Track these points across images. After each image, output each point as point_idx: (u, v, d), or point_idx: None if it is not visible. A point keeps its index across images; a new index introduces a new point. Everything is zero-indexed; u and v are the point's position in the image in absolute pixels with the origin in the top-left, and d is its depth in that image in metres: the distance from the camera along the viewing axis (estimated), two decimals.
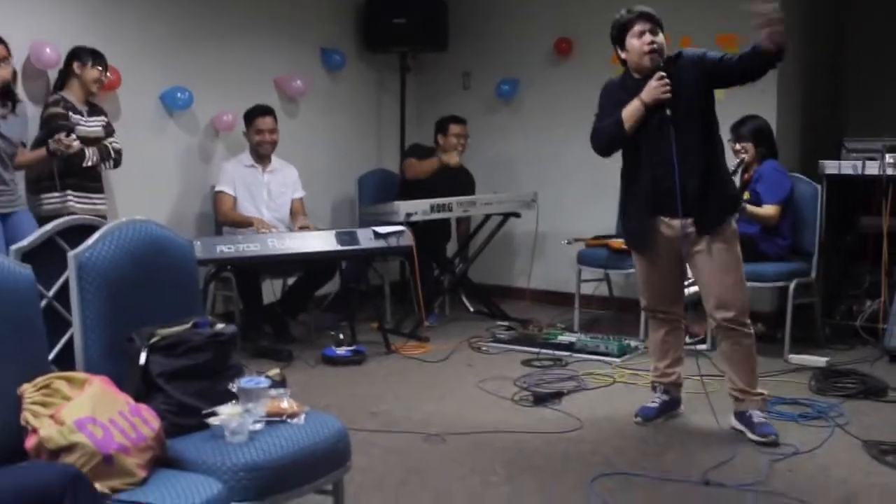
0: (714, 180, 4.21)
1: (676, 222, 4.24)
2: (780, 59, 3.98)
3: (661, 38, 4.23)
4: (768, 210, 5.75)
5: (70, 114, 5.37)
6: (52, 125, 5.27)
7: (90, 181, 5.53)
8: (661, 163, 4.19)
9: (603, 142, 4.45)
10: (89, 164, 5.42)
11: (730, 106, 5.51)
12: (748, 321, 4.31)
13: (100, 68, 5.54)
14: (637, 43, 4.22)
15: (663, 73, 4.16)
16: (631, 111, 4.24)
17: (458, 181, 7.17)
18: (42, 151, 5.18)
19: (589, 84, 7.25)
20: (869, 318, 6.09)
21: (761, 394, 4.37)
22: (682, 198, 4.14)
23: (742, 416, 4.33)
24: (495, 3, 7.82)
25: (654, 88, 4.16)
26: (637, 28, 4.22)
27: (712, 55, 4.19)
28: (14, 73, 5.20)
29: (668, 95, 4.13)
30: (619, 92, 4.37)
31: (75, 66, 5.51)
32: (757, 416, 4.30)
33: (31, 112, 5.45)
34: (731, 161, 5.46)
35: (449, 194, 6.76)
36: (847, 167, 6.10)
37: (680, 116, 4.15)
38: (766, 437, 4.19)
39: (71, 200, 5.37)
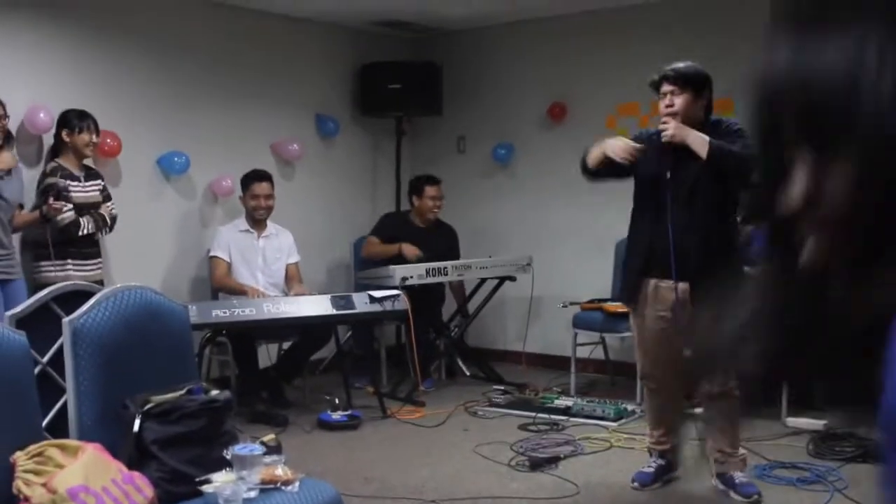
0: (716, 250, 4.13)
1: (667, 284, 4.25)
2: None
3: (680, 99, 4.17)
4: None
5: (68, 182, 5.40)
6: (47, 192, 5.32)
7: (87, 247, 5.57)
8: (659, 223, 4.21)
9: (583, 159, 4.48)
10: (84, 232, 5.45)
11: None
12: (732, 385, 4.24)
13: (89, 131, 5.58)
14: (661, 106, 4.25)
15: (638, 146, 4.19)
16: (597, 154, 4.29)
17: (441, 238, 7.20)
18: (36, 214, 5.28)
19: (582, 147, 7.32)
20: None
21: (743, 455, 4.37)
22: (680, 262, 4.15)
23: (724, 478, 4.33)
24: (489, 67, 7.91)
25: (617, 146, 4.20)
26: (663, 89, 4.22)
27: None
28: (9, 134, 5.24)
29: (618, 158, 4.16)
30: (647, 139, 4.34)
31: (64, 133, 5.57)
32: (739, 476, 4.30)
33: (25, 176, 5.49)
34: None
35: (432, 253, 6.82)
36: None
37: (690, 182, 4.17)
38: (750, 497, 4.21)
39: (70, 268, 5.39)
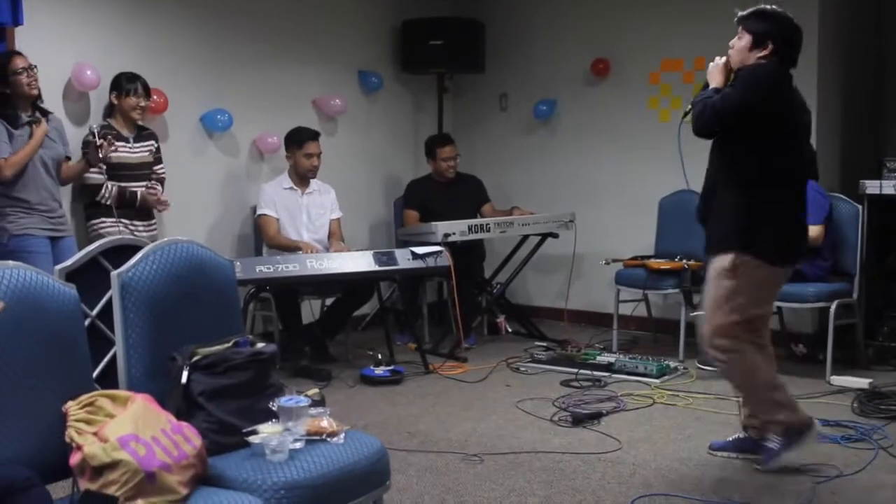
0: (719, 208, 4.07)
1: None
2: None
3: (741, 43, 4.00)
4: (812, 231, 5.70)
5: (109, 140, 5.43)
6: (86, 146, 5.44)
7: (141, 208, 5.65)
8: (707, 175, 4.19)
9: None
10: (108, 202, 5.52)
11: None
12: (718, 342, 4.06)
13: (137, 95, 5.63)
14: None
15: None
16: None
17: (465, 190, 7.27)
18: (81, 163, 5.41)
19: (625, 104, 7.34)
20: None
21: (770, 419, 4.13)
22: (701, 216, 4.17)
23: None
24: (532, 24, 7.84)
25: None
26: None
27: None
28: (39, 95, 5.26)
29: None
30: None
31: (112, 96, 5.64)
32: (769, 440, 4.14)
33: (72, 133, 5.55)
34: None
35: (461, 208, 6.94)
36: (888, 187, 6.03)
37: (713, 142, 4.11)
38: (764, 463, 4.11)
39: (123, 229, 5.46)
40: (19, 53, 5.13)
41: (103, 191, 5.50)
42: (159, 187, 5.76)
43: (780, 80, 3.97)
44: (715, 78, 4.07)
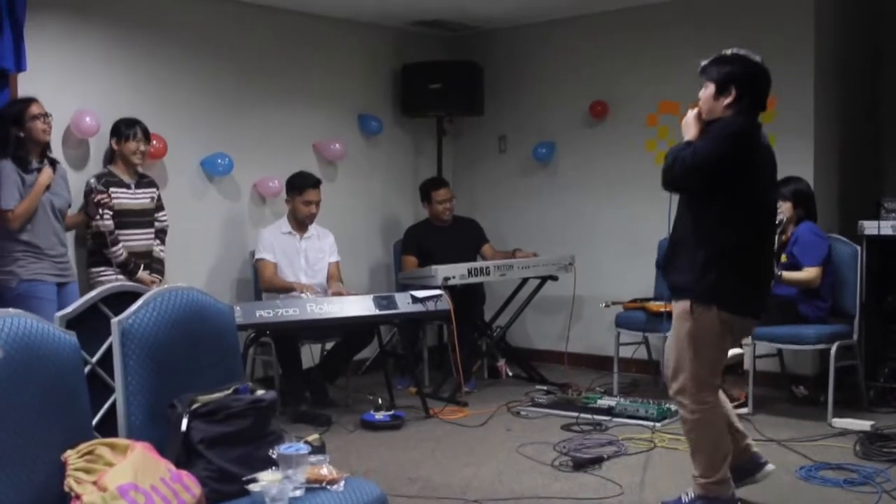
0: (681, 255, 3.99)
1: None
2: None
3: (705, 93, 3.93)
4: (809, 273, 5.73)
5: (109, 189, 5.49)
6: (89, 195, 5.50)
7: (144, 258, 5.71)
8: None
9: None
10: (116, 261, 5.56)
11: None
12: (685, 401, 3.98)
13: (137, 139, 5.66)
14: None
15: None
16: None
17: (463, 233, 7.31)
18: (81, 214, 5.50)
19: (624, 146, 7.37)
20: None
21: (701, 478, 4.00)
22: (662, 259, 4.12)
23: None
24: (530, 66, 7.90)
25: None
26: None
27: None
28: (48, 144, 5.34)
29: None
30: None
31: (112, 142, 5.69)
32: (685, 495, 4.09)
33: (73, 179, 5.58)
34: None
35: (459, 250, 6.97)
36: (886, 227, 6.04)
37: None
38: None
39: (124, 280, 5.49)
40: (36, 100, 5.21)
41: (114, 249, 5.52)
42: (159, 278, 5.76)
43: (750, 133, 3.89)
44: (689, 130, 3.97)
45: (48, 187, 5.19)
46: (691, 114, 4.00)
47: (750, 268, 3.97)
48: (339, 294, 6.16)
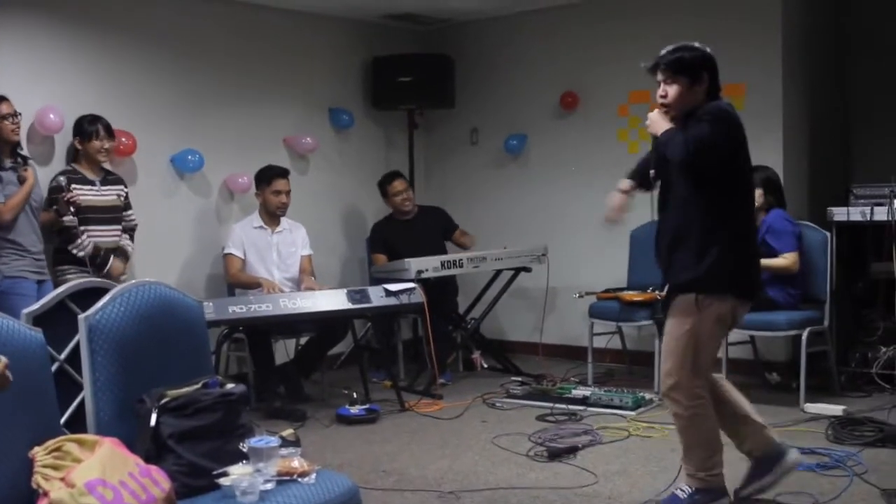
0: (684, 248, 3.91)
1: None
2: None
3: (673, 89, 3.86)
4: (787, 259, 5.75)
5: (72, 186, 5.46)
6: (50, 197, 5.48)
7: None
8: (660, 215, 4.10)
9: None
10: (80, 254, 5.50)
11: None
12: (679, 398, 3.92)
13: (100, 137, 5.62)
14: (657, 95, 3.95)
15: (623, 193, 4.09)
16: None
17: (429, 222, 7.32)
18: (51, 214, 5.44)
19: (595, 136, 7.38)
20: (884, 364, 6.04)
21: (691, 475, 3.98)
22: (657, 256, 4.05)
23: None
24: (501, 59, 7.90)
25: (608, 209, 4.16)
26: (657, 77, 3.92)
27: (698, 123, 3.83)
28: (18, 144, 5.33)
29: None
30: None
31: (76, 141, 5.65)
32: (680, 491, 4.01)
33: (40, 175, 5.52)
34: None
35: (427, 240, 7.00)
36: (855, 213, 6.09)
37: (665, 179, 3.98)
38: None
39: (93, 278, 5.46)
40: (5, 99, 5.17)
41: (78, 241, 5.48)
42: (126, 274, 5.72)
43: (736, 114, 3.90)
44: (659, 126, 3.90)
45: None
46: (655, 113, 3.93)
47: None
48: (311, 289, 6.14)
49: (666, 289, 4.04)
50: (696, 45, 3.92)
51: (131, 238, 5.84)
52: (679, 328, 3.92)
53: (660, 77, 3.90)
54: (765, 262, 5.66)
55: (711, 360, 4.01)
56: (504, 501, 4.21)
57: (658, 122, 3.91)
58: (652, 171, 4.02)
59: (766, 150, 6.25)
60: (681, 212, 3.92)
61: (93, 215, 5.56)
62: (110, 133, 5.69)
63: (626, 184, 4.17)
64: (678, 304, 3.94)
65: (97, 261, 5.51)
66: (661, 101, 3.90)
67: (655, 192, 4.12)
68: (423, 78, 7.61)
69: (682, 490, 4.00)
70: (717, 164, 3.80)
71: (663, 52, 3.91)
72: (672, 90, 3.86)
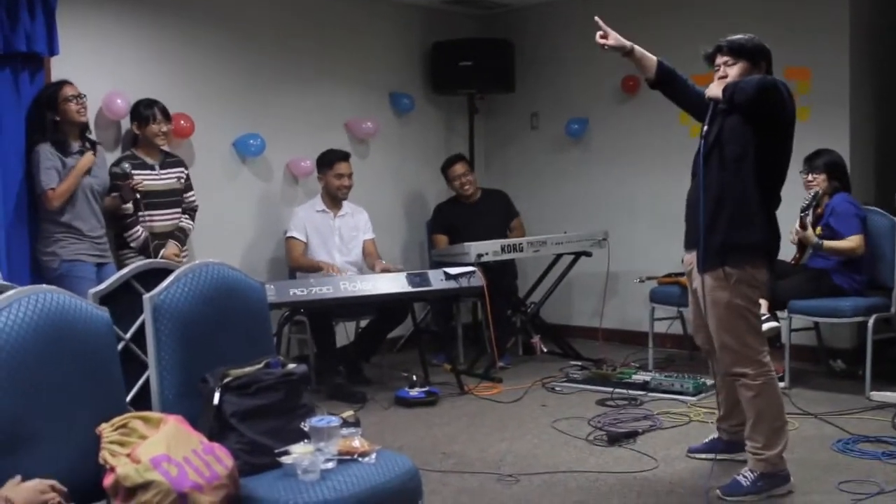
0: (723, 219, 3.95)
1: (689, 255, 4.19)
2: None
3: (735, 69, 3.97)
4: (852, 241, 5.64)
5: (132, 171, 5.51)
6: (113, 183, 5.52)
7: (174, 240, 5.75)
8: (693, 189, 4.11)
9: None
10: (133, 244, 5.59)
11: (802, 140, 5.43)
12: (746, 370, 3.97)
13: (157, 121, 5.67)
14: (714, 77, 4.06)
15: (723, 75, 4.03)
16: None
17: (492, 206, 7.29)
18: (116, 199, 5.49)
19: (657, 120, 7.30)
20: None
21: (765, 450, 3.99)
22: (695, 230, 4.05)
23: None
24: (561, 42, 7.85)
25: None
26: (717, 61, 4.04)
27: None
28: (86, 126, 5.43)
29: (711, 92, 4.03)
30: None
31: (134, 126, 5.72)
32: (743, 477, 4.01)
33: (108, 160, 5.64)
34: (796, 195, 5.37)
35: (489, 224, 6.97)
36: None
37: (718, 142, 4.00)
38: (723, 493, 3.98)
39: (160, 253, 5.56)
40: (69, 82, 5.27)
41: (133, 231, 5.57)
42: (181, 247, 5.78)
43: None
44: (718, 86, 3.98)
45: (89, 171, 5.25)
46: (715, 83, 4.01)
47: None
48: (387, 270, 6.16)
49: (696, 253, 4.05)
50: (760, 40, 4.06)
51: (191, 218, 5.91)
52: (719, 302, 3.97)
53: (720, 60, 4.02)
54: (830, 244, 5.60)
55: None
56: (563, 485, 4.21)
57: (716, 85, 4.00)
58: (704, 128, 4.04)
59: (832, 135, 6.15)
60: (726, 176, 3.96)
61: (153, 200, 5.62)
62: (167, 116, 5.75)
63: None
64: (720, 279, 3.96)
65: (149, 251, 5.57)
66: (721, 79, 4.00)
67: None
68: (484, 62, 7.58)
69: (744, 476, 3.99)
70: (780, 112, 3.89)
71: (722, 39, 4.04)
72: (733, 71, 3.98)
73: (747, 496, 3.94)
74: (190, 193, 5.90)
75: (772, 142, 3.94)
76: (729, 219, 3.94)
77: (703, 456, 4.47)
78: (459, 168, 7.21)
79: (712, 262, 3.97)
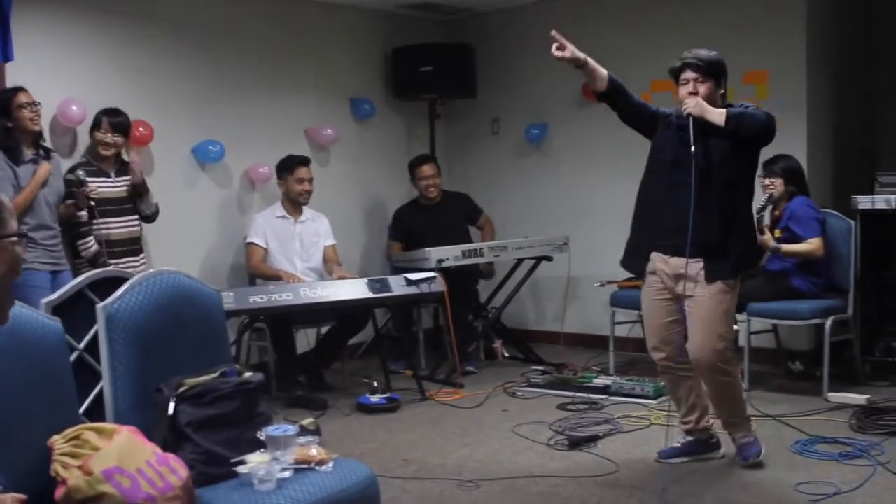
0: (736, 232, 4.26)
1: (676, 261, 4.27)
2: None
3: (704, 88, 4.17)
4: (811, 244, 5.69)
5: (86, 178, 5.44)
6: (67, 190, 5.46)
7: (129, 244, 5.68)
8: (679, 199, 4.18)
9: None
10: (84, 254, 5.53)
11: None
12: (726, 367, 4.34)
13: (103, 130, 5.60)
14: (682, 91, 4.23)
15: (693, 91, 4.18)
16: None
17: (452, 208, 7.31)
18: (70, 207, 5.42)
19: (617, 126, 7.24)
20: None
21: (747, 418, 4.53)
22: (696, 240, 4.15)
23: (734, 441, 4.48)
24: (522, 48, 7.86)
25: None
26: (685, 76, 4.21)
27: None
28: (40, 135, 5.36)
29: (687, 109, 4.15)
30: (665, 119, 4.40)
31: (92, 132, 5.66)
32: (741, 437, 4.45)
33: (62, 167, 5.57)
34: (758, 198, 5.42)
35: (450, 226, 7.00)
36: (880, 202, 6.01)
37: (708, 159, 4.16)
38: (747, 460, 4.38)
39: (111, 265, 5.47)
40: (23, 89, 5.21)
41: (85, 242, 5.51)
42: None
43: None
44: (711, 107, 4.15)
45: (45, 182, 5.19)
46: (696, 98, 4.17)
47: None
48: (344, 277, 6.14)
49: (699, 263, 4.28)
50: (716, 52, 4.29)
51: (151, 219, 5.86)
52: (716, 307, 4.25)
53: (691, 75, 4.20)
54: (790, 247, 5.66)
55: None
56: (524, 490, 4.21)
57: (705, 105, 4.15)
58: (693, 147, 4.13)
59: (789, 138, 6.18)
60: (726, 195, 4.21)
61: (108, 207, 5.56)
62: (118, 129, 5.64)
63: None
64: (717, 286, 4.24)
65: (98, 263, 5.48)
66: (690, 98, 4.20)
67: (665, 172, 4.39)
68: (445, 68, 7.58)
69: (744, 437, 4.45)
70: (747, 152, 4.29)
71: (687, 53, 4.22)
72: (703, 89, 4.18)
73: (760, 441, 4.47)
74: (149, 195, 5.81)
75: (756, 161, 4.41)
76: (740, 234, 4.28)
77: (678, 460, 4.52)
78: (428, 170, 7.20)
79: (723, 274, 4.26)
